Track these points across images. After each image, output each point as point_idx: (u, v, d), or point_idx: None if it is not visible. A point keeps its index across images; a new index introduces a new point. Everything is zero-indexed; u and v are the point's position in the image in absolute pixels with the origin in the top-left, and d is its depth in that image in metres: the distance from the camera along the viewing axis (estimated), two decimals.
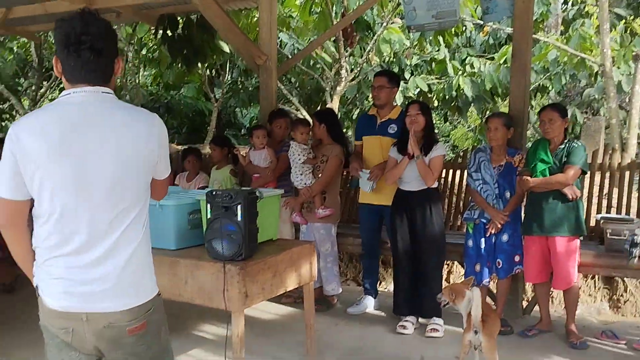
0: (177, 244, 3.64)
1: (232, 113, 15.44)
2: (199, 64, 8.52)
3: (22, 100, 13.36)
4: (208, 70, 12.91)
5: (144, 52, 12.25)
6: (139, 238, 2.03)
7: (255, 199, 3.40)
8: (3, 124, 14.26)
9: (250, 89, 13.58)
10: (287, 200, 5.26)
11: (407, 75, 11.53)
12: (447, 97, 10.80)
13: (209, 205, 3.39)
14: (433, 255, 4.70)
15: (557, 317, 4.95)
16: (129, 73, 12.03)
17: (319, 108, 10.95)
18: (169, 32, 7.68)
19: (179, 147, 8.80)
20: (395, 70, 11.69)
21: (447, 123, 15.72)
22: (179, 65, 8.38)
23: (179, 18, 7.74)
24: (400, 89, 10.60)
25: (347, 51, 9.44)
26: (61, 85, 13.12)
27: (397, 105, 5.22)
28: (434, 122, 7.05)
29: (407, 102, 5.09)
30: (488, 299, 4.78)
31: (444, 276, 6.47)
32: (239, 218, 3.30)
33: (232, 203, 3.30)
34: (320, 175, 5.13)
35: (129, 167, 1.98)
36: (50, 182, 1.91)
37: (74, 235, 1.94)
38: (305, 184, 5.11)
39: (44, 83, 13.04)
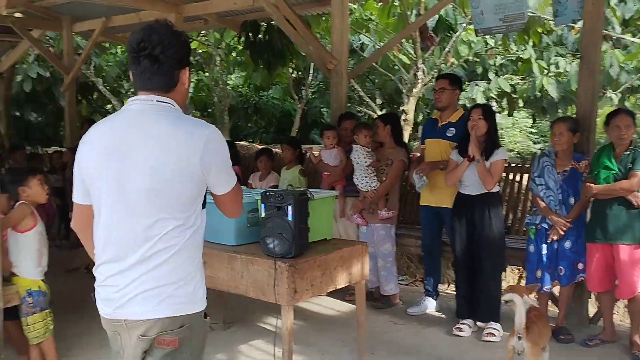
0: (237, 240, 3.89)
1: (317, 113, 15.78)
2: (280, 67, 8.82)
3: (124, 101, 14.35)
4: (294, 72, 13.34)
5: (234, 55, 12.79)
6: (179, 250, 1.99)
7: (307, 199, 3.59)
8: None
9: None
10: (355, 203, 5.43)
11: (491, 75, 11.37)
12: (531, 97, 10.54)
13: (263, 205, 3.62)
14: (492, 259, 4.70)
15: (626, 327, 4.79)
16: (218, 76, 12.61)
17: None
18: (251, 37, 8.05)
19: (259, 147, 9.15)
20: (479, 70, 11.57)
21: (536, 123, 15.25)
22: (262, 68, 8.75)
23: (260, 24, 8.10)
24: (481, 89, 10.51)
25: (425, 52, 9.44)
26: None
27: (459, 108, 5.24)
28: (507, 123, 6.93)
29: (470, 106, 5.10)
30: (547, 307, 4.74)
31: (515, 282, 6.42)
32: (290, 218, 3.50)
33: (283, 203, 3.51)
34: (384, 178, 5.26)
35: (166, 177, 1.95)
36: (97, 190, 2.01)
37: (113, 242, 2.00)
38: (370, 186, 5.25)
39: None
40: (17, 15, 9.28)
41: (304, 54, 8.65)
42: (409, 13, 8.79)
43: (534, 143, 17.45)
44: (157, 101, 2.03)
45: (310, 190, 3.80)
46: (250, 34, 8.03)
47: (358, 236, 5.70)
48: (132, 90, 13.88)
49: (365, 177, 5.26)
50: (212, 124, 2.11)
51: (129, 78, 14.74)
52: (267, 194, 3.61)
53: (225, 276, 3.78)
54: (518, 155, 18.92)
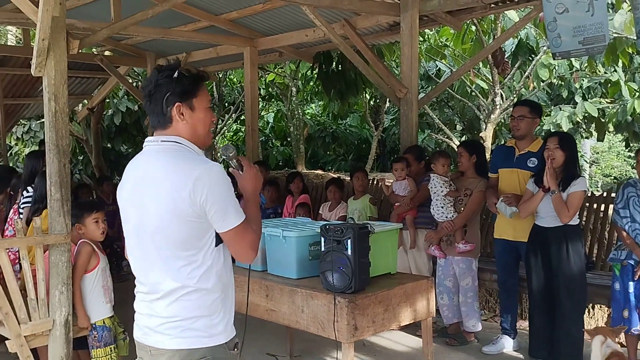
0: (298, 273, 3.84)
1: (396, 140, 15.64)
2: (352, 97, 8.82)
3: None
4: (371, 100, 13.32)
5: (311, 84, 12.96)
6: (192, 287, 2.05)
7: (367, 233, 3.50)
8: None
9: None
10: (428, 233, 5.28)
11: (577, 99, 10.85)
12: (622, 121, 9.95)
13: (322, 238, 3.56)
14: (571, 296, 4.39)
15: None
16: (294, 106, 12.79)
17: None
18: (324, 68, 8.12)
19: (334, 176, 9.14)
20: (564, 94, 11.08)
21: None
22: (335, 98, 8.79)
23: (333, 54, 8.16)
24: (566, 113, 10.04)
25: (504, 77, 9.15)
26: (242, 118, 14.11)
27: (538, 137, 4.99)
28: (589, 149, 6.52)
29: (546, 135, 4.84)
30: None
31: (604, 321, 5.97)
32: (349, 252, 3.42)
33: (342, 237, 3.44)
34: (462, 208, 5.08)
35: (165, 216, 2.02)
36: (125, 225, 2.19)
37: (138, 275, 2.17)
38: (446, 217, 5.08)
39: (225, 116, 14.34)
40: (107, 53, 9.88)
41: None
42: (485, 38, 8.57)
43: (633, 167, 16.42)
44: (162, 141, 2.11)
45: (371, 222, 3.71)
46: (323, 65, 8.09)
47: (430, 269, 5.52)
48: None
49: (442, 207, 5.09)
50: (212, 162, 2.10)
51: (212, 111, 15.29)
52: (327, 227, 3.55)
53: (287, 310, 3.73)
54: (615, 180, 17.86)
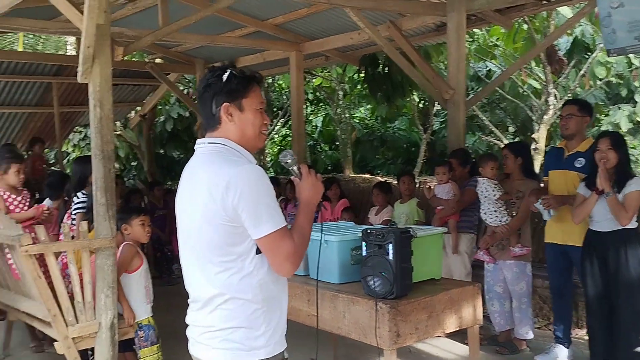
0: (340, 278, 3.78)
1: (446, 143, 15.35)
2: (399, 99, 8.71)
3: None
4: (420, 102, 13.14)
5: (359, 88, 12.89)
6: (230, 295, 1.97)
7: (409, 237, 3.41)
8: None
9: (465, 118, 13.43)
10: (484, 239, 5.14)
11: (637, 98, 10.42)
12: None
13: (364, 243, 3.50)
14: (630, 304, 4.16)
15: None
16: (341, 110, 12.75)
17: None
18: (370, 71, 8.05)
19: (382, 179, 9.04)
20: (623, 93, 10.66)
21: None
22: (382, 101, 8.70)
23: (379, 57, 8.08)
24: (626, 113, 9.64)
25: (558, 77, 8.85)
26: (290, 122, 14.25)
27: (588, 137, 4.78)
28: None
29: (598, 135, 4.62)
30: None
31: None
32: (391, 257, 3.34)
33: (384, 241, 3.36)
34: (514, 212, 4.93)
35: (201, 220, 1.98)
36: (179, 229, 2.14)
37: (186, 283, 2.13)
38: (500, 221, 4.94)
39: (274, 121, 14.44)
40: (158, 60, 10.10)
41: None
42: (537, 36, 8.31)
43: None
44: (209, 143, 2.07)
45: (414, 227, 3.62)
46: (369, 68, 8.02)
47: (469, 274, 5.38)
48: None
49: (495, 211, 4.95)
50: (250, 164, 2.01)
51: None
52: (368, 231, 3.48)
53: (328, 315, 3.68)
54: None
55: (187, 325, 2.16)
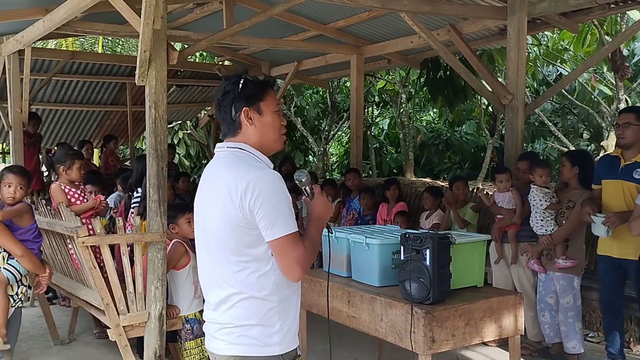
0: (380, 281, 3.81)
1: None
2: (461, 103, 8.59)
3: (321, 138, 15.10)
4: (489, 106, 12.87)
5: (425, 90, 12.79)
6: (247, 293, 2.05)
7: (447, 244, 3.40)
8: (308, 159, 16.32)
9: (536, 124, 13.08)
10: (524, 247, 5.04)
11: None
12: None
13: (402, 247, 3.51)
14: None
15: None
16: (403, 113, 12.68)
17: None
18: (431, 74, 7.99)
19: (442, 184, 8.94)
20: None
21: None
22: (444, 104, 8.61)
23: (441, 60, 8.01)
24: None
25: (632, 82, 8.48)
26: (346, 125, 14.22)
27: None
28: None
29: None
30: None
31: None
32: (428, 262, 3.34)
33: (421, 246, 3.37)
34: (564, 222, 4.78)
35: (219, 220, 2.06)
36: (196, 228, 2.25)
37: (201, 280, 2.23)
38: (545, 230, 4.82)
39: (338, 124, 14.56)
40: (226, 63, 10.40)
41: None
42: (608, 39, 7.99)
43: None
44: (228, 147, 2.15)
45: (454, 232, 3.60)
46: (430, 71, 7.96)
47: (535, 285, 5.24)
48: (326, 128, 14.60)
49: (541, 220, 4.83)
50: (269, 169, 2.09)
51: (326, 117, 15.66)
52: (407, 235, 3.49)
53: (367, 317, 3.72)
54: None
55: None
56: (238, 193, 1.99)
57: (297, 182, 2.29)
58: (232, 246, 2.05)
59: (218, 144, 2.20)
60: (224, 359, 2.12)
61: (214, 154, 2.24)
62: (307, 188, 2.29)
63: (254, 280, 2.05)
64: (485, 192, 5.88)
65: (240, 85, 2.12)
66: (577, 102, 9.61)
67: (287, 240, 2.01)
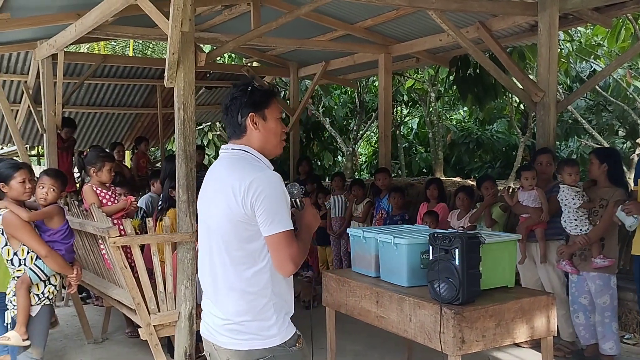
0: (409, 281, 3.77)
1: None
2: (491, 102, 8.47)
3: (350, 138, 15.07)
4: (521, 104, 12.68)
5: (454, 89, 12.66)
6: (243, 286, 2.17)
7: (477, 243, 3.35)
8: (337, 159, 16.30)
9: (569, 122, 12.83)
10: (560, 247, 4.95)
11: None
12: None
13: (430, 247, 3.48)
14: None
15: None
16: (432, 112, 12.57)
17: None
18: (460, 72, 7.89)
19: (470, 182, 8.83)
20: None
21: None
22: (473, 102, 8.50)
23: (470, 58, 7.91)
24: None
25: None
26: (375, 125, 14.13)
27: None
28: None
29: None
30: None
31: None
32: (457, 262, 3.30)
33: (450, 246, 3.33)
34: (597, 220, 4.69)
35: (224, 220, 2.18)
36: (199, 227, 2.37)
37: (200, 274, 2.33)
38: (580, 230, 4.73)
39: (367, 123, 14.50)
40: (255, 64, 10.46)
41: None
42: None
43: None
44: (232, 149, 2.28)
45: (485, 232, 3.55)
46: (459, 69, 7.87)
47: (565, 284, 5.15)
48: (354, 128, 14.56)
49: (575, 219, 4.75)
50: (270, 170, 2.20)
51: (354, 117, 15.65)
52: (436, 235, 3.46)
53: (396, 318, 3.69)
54: None
55: None
56: (241, 190, 2.12)
57: (288, 193, 2.35)
58: (232, 241, 2.17)
59: (223, 146, 2.34)
60: (228, 353, 2.21)
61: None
62: (298, 200, 2.41)
63: (249, 276, 2.17)
64: (508, 191, 5.79)
65: (248, 92, 2.27)
66: (611, 99, 9.39)
67: (283, 237, 2.14)
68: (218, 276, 2.23)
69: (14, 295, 3.61)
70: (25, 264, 3.61)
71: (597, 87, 9.24)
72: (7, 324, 3.71)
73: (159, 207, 4.67)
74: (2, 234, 3.56)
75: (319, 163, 14.99)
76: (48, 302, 3.72)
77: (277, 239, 2.14)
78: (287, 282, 2.29)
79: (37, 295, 3.65)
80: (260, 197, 2.11)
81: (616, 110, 11.05)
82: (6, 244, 3.59)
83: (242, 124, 2.27)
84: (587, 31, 9.40)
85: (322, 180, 11.28)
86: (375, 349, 5.22)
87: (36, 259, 3.61)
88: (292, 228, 2.18)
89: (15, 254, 3.60)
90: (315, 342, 2.40)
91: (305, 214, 2.37)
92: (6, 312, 3.70)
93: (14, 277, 3.64)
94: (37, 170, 7.85)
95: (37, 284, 3.64)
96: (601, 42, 9.16)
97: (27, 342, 3.60)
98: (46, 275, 3.65)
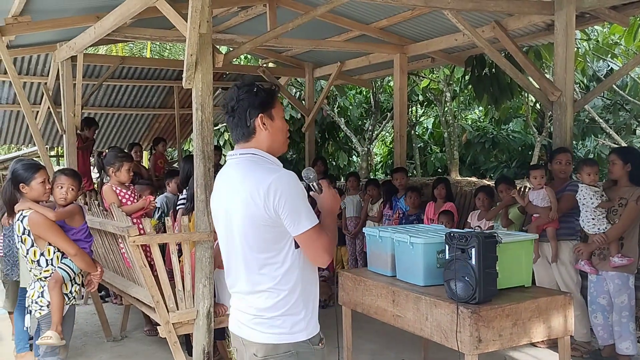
0: (425, 280, 3.80)
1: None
2: (507, 101, 8.44)
3: (365, 138, 15.08)
4: (537, 103, 12.61)
5: (470, 88, 12.61)
6: (272, 285, 2.21)
7: (494, 243, 3.36)
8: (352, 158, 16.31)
9: (586, 121, 12.73)
10: (577, 246, 4.94)
11: None
12: None
13: (447, 246, 3.49)
14: None
15: None
16: (447, 111, 12.53)
17: None
18: (476, 72, 7.87)
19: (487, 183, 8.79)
20: None
21: None
22: (489, 102, 8.47)
23: (486, 57, 7.89)
24: None
25: None
26: (390, 125, 14.05)
27: None
28: None
29: None
30: None
31: None
32: (473, 261, 3.32)
33: (467, 246, 3.35)
34: (616, 219, 4.67)
35: (244, 222, 2.21)
36: (216, 229, 2.42)
37: (228, 273, 2.37)
38: (598, 229, 4.72)
39: (382, 123, 14.47)
40: (271, 65, 10.50)
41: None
42: None
43: None
44: (240, 154, 2.30)
45: (500, 232, 3.56)
46: (475, 69, 7.85)
47: (579, 283, 5.14)
48: (370, 128, 14.55)
49: (593, 219, 4.74)
50: (284, 170, 2.21)
51: (370, 117, 15.66)
52: (452, 234, 3.47)
53: (412, 317, 3.71)
54: None
55: None
56: (261, 195, 2.14)
57: (305, 179, 2.40)
58: (259, 244, 2.21)
59: (230, 152, 2.34)
60: (256, 346, 2.25)
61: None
62: (315, 184, 2.41)
63: (281, 274, 2.21)
64: (517, 190, 5.77)
65: (254, 92, 2.26)
66: (629, 98, 9.31)
67: (312, 232, 2.19)
68: (247, 277, 2.26)
69: (40, 296, 3.60)
70: (52, 264, 3.62)
71: (614, 86, 9.19)
72: (27, 327, 3.71)
73: (186, 207, 4.69)
74: (29, 235, 3.56)
75: (334, 163, 15.00)
76: (75, 302, 3.77)
77: (306, 236, 2.19)
78: (315, 278, 2.33)
79: (66, 294, 3.67)
80: (282, 200, 2.14)
81: (634, 109, 10.95)
82: (32, 245, 3.58)
83: (250, 126, 2.27)
84: (604, 30, 9.33)
85: (337, 180, 11.32)
86: (392, 348, 5.23)
87: (62, 258, 3.65)
88: (318, 222, 2.21)
89: (42, 254, 3.60)
90: (329, 341, 2.41)
91: (325, 196, 2.37)
92: (26, 316, 3.69)
93: (39, 279, 3.63)
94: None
95: (66, 284, 3.66)
96: (618, 41, 9.09)
97: (64, 342, 3.61)
98: (74, 274, 3.70)
